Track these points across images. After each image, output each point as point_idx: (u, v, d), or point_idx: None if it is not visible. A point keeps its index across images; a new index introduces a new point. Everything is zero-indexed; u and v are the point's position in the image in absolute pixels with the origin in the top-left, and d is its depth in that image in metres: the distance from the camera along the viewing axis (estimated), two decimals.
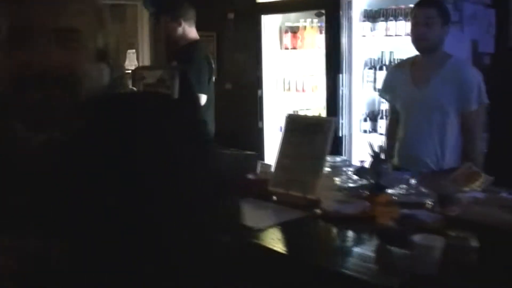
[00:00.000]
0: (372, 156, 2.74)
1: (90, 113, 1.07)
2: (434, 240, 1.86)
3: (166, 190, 1.05)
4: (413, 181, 2.42)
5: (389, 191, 2.37)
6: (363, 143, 4.54)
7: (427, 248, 1.83)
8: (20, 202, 1.02)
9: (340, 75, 4.53)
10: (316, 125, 2.67)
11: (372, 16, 4.49)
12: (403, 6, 4.30)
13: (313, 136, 2.65)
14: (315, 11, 4.73)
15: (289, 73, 5.17)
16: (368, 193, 2.46)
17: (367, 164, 2.80)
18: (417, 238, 1.87)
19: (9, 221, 1.02)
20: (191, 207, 1.08)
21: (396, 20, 4.32)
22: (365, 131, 4.64)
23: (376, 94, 4.55)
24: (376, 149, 2.68)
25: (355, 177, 2.73)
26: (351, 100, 4.57)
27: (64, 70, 1.00)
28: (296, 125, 2.73)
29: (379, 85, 4.43)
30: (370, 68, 4.56)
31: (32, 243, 0.97)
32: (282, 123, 5.22)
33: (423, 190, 2.37)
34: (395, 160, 3.30)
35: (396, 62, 4.37)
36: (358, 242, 2.27)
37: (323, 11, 4.60)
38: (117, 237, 1.02)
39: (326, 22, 4.59)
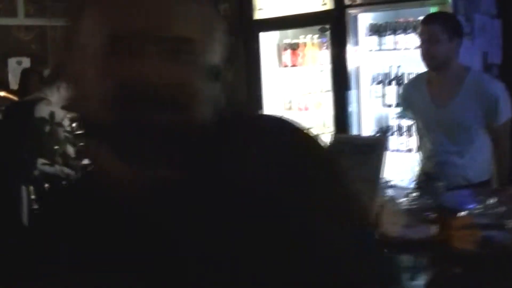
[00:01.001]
0: (423, 175, 2.59)
1: (210, 143, 0.86)
2: None
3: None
4: (491, 201, 2.27)
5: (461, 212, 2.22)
6: None
7: None
8: (121, 258, 0.80)
9: (349, 92, 4.39)
10: (365, 145, 2.50)
11: (377, 30, 4.38)
12: (411, 19, 4.21)
13: (364, 157, 2.47)
14: (317, 27, 4.60)
15: (290, 91, 5.02)
16: (434, 215, 2.30)
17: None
18: None
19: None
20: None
21: (405, 34, 4.21)
22: None
23: (385, 110, 4.45)
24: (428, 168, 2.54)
25: (406, 198, 2.56)
26: (360, 117, 4.43)
27: (176, 89, 0.77)
28: (343, 147, 2.55)
29: (388, 100, 4.35)
30: (378, 84, 4.44)
31: None
32: None
33: (499, 209, 2.23)
34: (421, 175, 3.16)
35: (404, 76, 4.28)
36: (434, 269, 2.10)
37: (327, 26, 4.47)
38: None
39: (331, 37, 4.46)
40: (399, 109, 3.58)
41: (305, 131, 0.98)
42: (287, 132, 0.94)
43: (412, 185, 2.65)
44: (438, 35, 2.96)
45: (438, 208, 2.32)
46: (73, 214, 0.85)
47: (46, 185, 4.27)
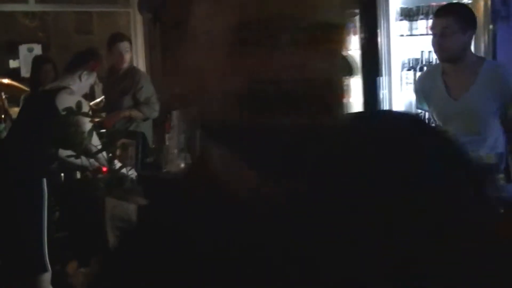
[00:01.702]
0: (483, 167, 2.51)
1: (346, 147, 0.75)
2: None
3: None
4: None
5: None
6: None
7: None
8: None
9: (380, 78, 4.30)
10: None
11: (408, 14, 4.29)
12: (444, 2, 4.11)
13: None
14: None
15: None
16: (502, 209, 2.21)
17: None
18: None
19: None
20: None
21: None
22: None
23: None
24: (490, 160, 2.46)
25: None
26: (391, 104, 4.36)
27: (320, 85, 0.64)
28: None
29: None
30: (409, 70, 4.36)
31: None
32: None
33: None
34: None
35: (436, 62, 4.20)
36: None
37: (357, 11, 4.36)
38: None
39: (361, 22, 4.35)
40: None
41: (445, 133, 0.88)
42: (430, 135, 0.84)
43: None
44: (450, 28, 2.93)
45: (503, 202, 2.25)
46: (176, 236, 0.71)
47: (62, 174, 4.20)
